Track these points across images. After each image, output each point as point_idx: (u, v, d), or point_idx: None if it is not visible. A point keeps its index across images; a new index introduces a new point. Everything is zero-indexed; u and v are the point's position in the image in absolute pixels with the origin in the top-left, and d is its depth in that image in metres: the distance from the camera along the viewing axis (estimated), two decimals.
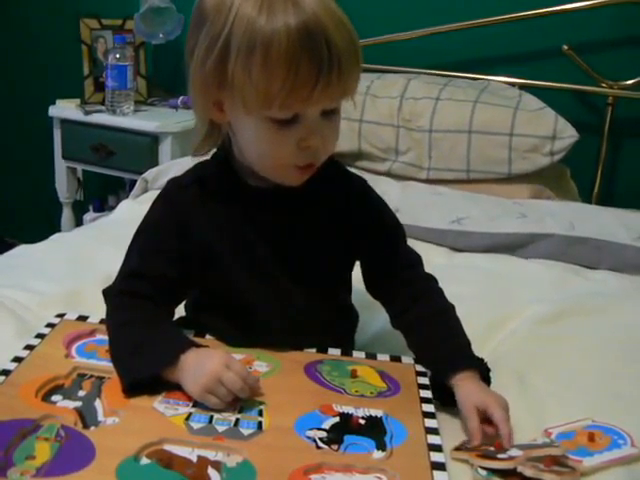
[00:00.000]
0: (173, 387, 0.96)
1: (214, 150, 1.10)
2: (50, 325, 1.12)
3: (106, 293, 1.10)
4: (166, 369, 0.96)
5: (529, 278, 1.60)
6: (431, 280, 1.15)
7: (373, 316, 1.32)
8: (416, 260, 1.16)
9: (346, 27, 0.93)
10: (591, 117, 2.33)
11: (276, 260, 1.06)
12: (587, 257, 1.70)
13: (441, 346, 1.06)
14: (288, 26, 0.88)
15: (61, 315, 1.16)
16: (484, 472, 0.84)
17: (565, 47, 2.21)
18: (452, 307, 1.12)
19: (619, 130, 2.28)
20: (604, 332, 1.32)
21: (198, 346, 0.99)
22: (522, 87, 2.26)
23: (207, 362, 0.95)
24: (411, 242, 1.72)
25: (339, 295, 1.16)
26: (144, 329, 1.01)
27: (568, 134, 2.04)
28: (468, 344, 1.06)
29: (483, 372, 1.03)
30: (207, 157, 1.11)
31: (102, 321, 1.13)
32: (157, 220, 1.09)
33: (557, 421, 0.99)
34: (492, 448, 0.88)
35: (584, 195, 2.24)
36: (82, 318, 1.15)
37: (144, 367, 0.96)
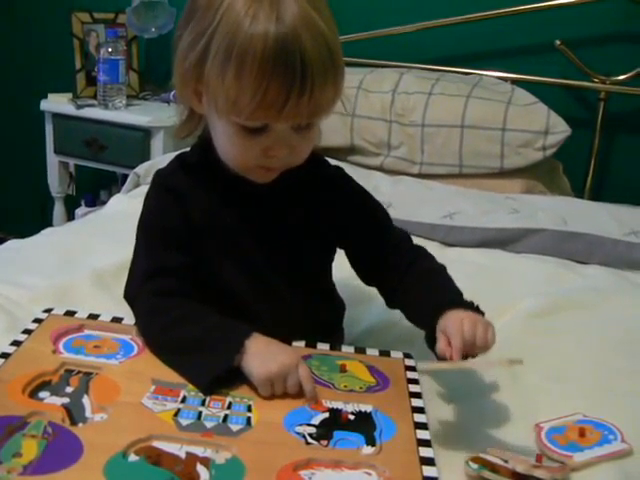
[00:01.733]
0: (244, 377, 0.96)
1: (195, 141, 1.11)
2: (37, 320, 1.11)
3: (131, 298, 1.08)
4: (237, 359, 0.96)
5: (521, 273, 1.60)
6: (420, 249, 1.15)
7: (364, 311, 1.32)
8: (403, 237, 1.16)
9: (327, 44, 0.91)
10: (583, 112, 2.33)
11: (258, 248, 1.06)
12: (579, 252, 1.70)
13: (431, 296, 1.04)
14: (265, 40, 0.87)
15: (48, 310, 1.14)
16: (475, 466, 0.84)
17: (558, 42, 2.21)
18: (443, 267, 1.12)
19: (611, 125, 2.29)
20: (596, 327, 1.32)
21: (259, 331, 0.99)
22: (514, 82, 2.26)
23: (281, 354, 0.96)
24: None
25: (322, 283, 1.17)
26: (194, 325, 1.00)
27: (560, 129, 2.04)
28: (459, 293, 1.05)
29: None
30: (187, 149, 1.12)
31: (91, 316, 1.12)
32: (158, 209, 1.08)
33: (548, 415, 0.99)
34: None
35: (576, 190, 2.24)
36: (70, 313, 1.14)
37: (216, 362, 0.96)
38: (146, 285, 1.05)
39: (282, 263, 1.08)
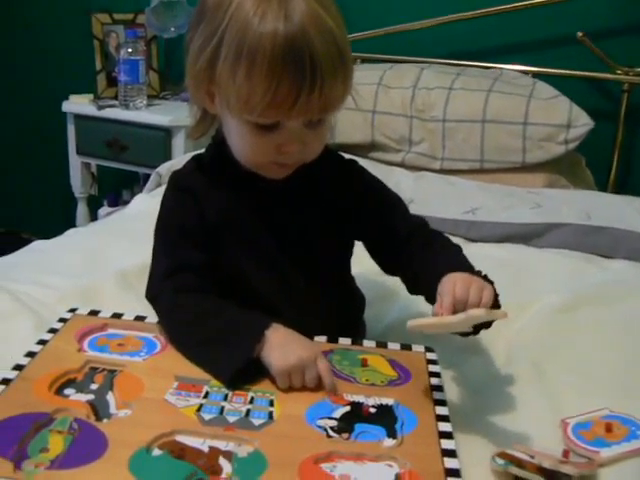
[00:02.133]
0: (267, 371, 0.97)
1: (209, 142, 1.12)
2: (62, 320, 1.12)
3: (153, 297, 1.09)
4: (257, 350, 0.97)
5: (544, 268, 1.59)
6: (437, 233, 1.15)
7: (387, 307, 1.32)
8: (419, 224, 1.15)
9: (335, 41, 0.92)
10: (606, 104, 2.31)
11: (275, 244, 1.07)
12: (603, 246, 1.68)
13: (437, 268, 1.02)
14: (274, 39, 0.89)
15: (73, 310, 1.16)
16: (502, 461, 0.83)
17: (579, 34, 2.19)
18: (457, 246, 1.12)
19: (635, 117, 2.27)
20: (621, 321, 1.31)
21: (279, 322, 1.01)
22: (536, 75, 2.25)
23: (300, 347, 0.97)
24: None
25: (340, 278, 1.17)
26: (215, 319, 1.02)
27: (583, 122, 2.02)
28: (465, 262, 1.05)
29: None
30: (203, 150, 1.14)
31: (114, 315, 1.14)
32: (174, 209, 1.10)
33: (574, 411, 0.98)
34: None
35: (600, 184, 2.22)
36: (94, 313, 1.15)
37: (237, 354, 0.97)
38: (166, 283, 1.06)
39: (300, 258, 1.08)
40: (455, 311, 0.90)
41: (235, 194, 1.08)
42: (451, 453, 0.85)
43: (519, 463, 0.83)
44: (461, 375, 1.08)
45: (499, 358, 1.17)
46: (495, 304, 0.96)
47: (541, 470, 0.82)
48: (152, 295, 1.09)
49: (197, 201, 1.07)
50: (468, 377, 1.08)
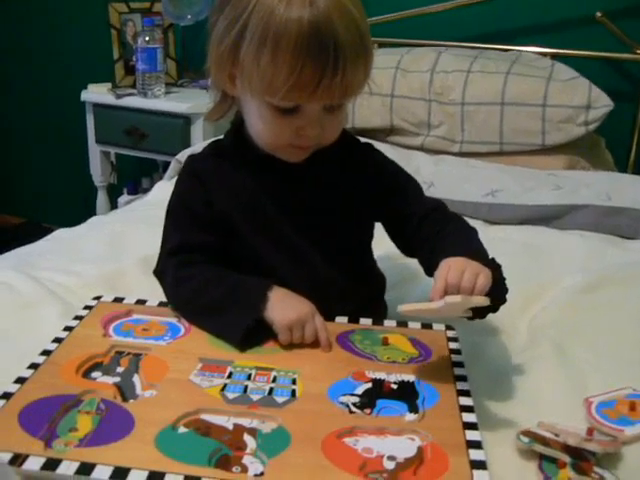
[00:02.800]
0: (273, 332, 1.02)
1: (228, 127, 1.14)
2: (87, 307, 1.15)
3: (159, 273, 1.13)
4: (262, 309, 1.02)
5: (565, 249, 1.59)
6: (453, 216, 1.15)
7: (410, 290, 1.33)
8: (436, 206, 1.16)
9: (358, 28, 0.94)
10: (626, 85, 2.30)
11: (292, 227, 1.09)
12: (624, 227, 1.68)
13: (446, 248, 1.03)
14: (300, 25, 0.91)
15: (98, 297, 1.18)
16: (526, 439, 0.84)
17: (598, 14, 2.17)
18: (472, 229, 1.12)
19: None
20: None
21: (277, 284, 1.05)
22: (554, 57, 2.23)
23: (299, 304, 1.03)
24: None
25: (359, 260, 1.18)
26: (218, 287, 1.06)
27: (603, 103, 2.01)
28: (472, 247, 1.04)
29: (495, 271, 0.97)
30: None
31: (138, 302, 1.16)
32: (184, 193, 1.14)
33: (598, 390, 0.98)
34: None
35: (619, 165, 2.21)
36: (118, 300, 1.18)
37: (244, 316, 1.02)
38: (171, 259, 1.11)
39: (317, 239, 1.10)
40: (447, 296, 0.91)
41: (252, 177, 1.10)
42: (472, 426, 0.86)
43: (544, 441, 0.84)
44: (484, 355, 1.09)
45: (521, 338, 1.17)
46: (499, 288, 0.96)
47: (566, 448, 0.82)
48: (158, 271, 1.14)
49: (206, 186, 1.10)
50: (491, 357, 1.09)
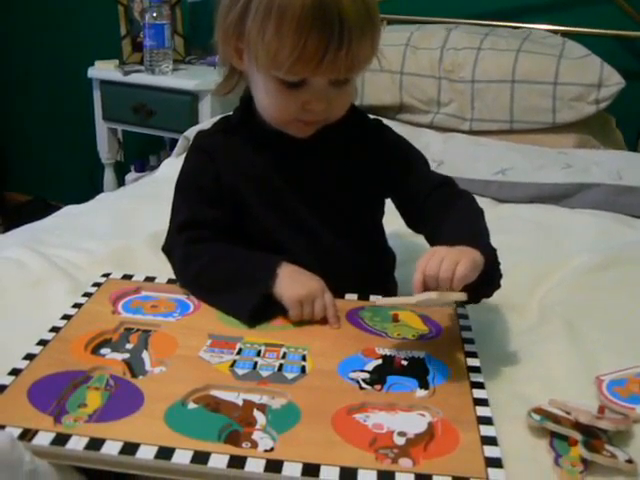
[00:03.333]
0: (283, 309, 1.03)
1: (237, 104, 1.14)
2: (96, 284, 1.15)
3: (168, 250, 1.14)
4: (270, 285, 1.02)
5: (576, 228, 1.58)
6: (460, 193, 1.14)
7: (413, 270, 1.32)
8: (444, 182, 1.15)
9: (364, 2, 0.93)
10: (637, 63, 2.27)
11: (300, 202, 1.09)
12: (635, 206, 1.67)
13: (443, 231, 1.03)
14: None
15: (107, 275, 1.18)
16: (538, 417, 0.84)
17: None
18: (478, 211, 1.10)
19: None
20: None
21: (286, 260, 1.05)
22: (565, 35, 2.21)
23: (309, 280, 1.04)
24: None
25: (370, 234, 1.18)
26: (228, 263, 1.07)
27: (614, 81, 1.99)
28: (471, 231, 1.02)
29: (488, 256, 0.96)
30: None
31: (147, 279, 1.16)
32: (193, 169, 1.14)
33: (608, 369, 0.98)
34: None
35: (630, 144, 2.20)
36: (127, 277, 1.18)
37: (253, 291, 1.03)
38: (180, 236, 1.11)
39: (327, 215, 1.10)
40: (427, 287, 0.91)
41: (261, 152, 1.10)
42: (483, 402, 0.86)
43: (555, 419, 0.84)
44: (495, 333, 1.09)
45: (532, 316, 1.17)
46: (490, 274, 0.96)
47: (577, 425, 0.82)
48: (167, 248, 1.14)
49: (215, 162, 1.11)
50: (502, 335, 1.08)
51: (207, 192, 1.10)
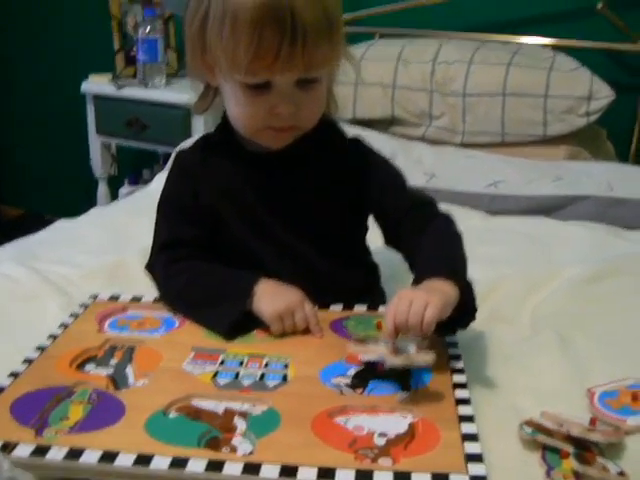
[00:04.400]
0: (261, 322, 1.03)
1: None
2: (84, 306, 1.15)
3: (150, 268, 1.15)
4: (248, 304, 1.03)
5: (567, 240, 1.58)
6: (437, 216, 1.11)
7: (410, 277, 1.33)
8: (423, 201, 1.13)
9: (320, 3, 0.94)
10: (627, 76, 2.29)
11: (277, 219, 1.10)
12: (626, 218, 1.68)
13: (415, 262, 1.04)
14: None
15: (94, 296, 1.18)
16: (529, 429, 0.84)
17: (599, 5, 2.16)
18: (453, 235, 1.08)
19: None
20: None
21: (264, 276, 1.06)
22: (556, 48, 2.22)
23: (287, 293, 1.04)
24: (447, 206, 1.73)
25: (347, 251, 1.16)
26: (206, 281, 1.08)
27: (604, 94, 2.01)
28: (444, 262, 1.00)
29: (462, 289, 0.95)
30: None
31: (134, 299, 1.17)
32: (173, 187, 1.16)
33: (600, 380, 0.97)
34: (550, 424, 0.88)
35: (621, 156, 2.21)
36: (114, 298, 1.18)
37: (231, 310, 1.03)
38: (161, 255, 1.13)
39: (304, 230, 1.10)
40: (398, 332, 0.90)
41: (237, 168, 1.11)
42: (465, 401, 0.87)
43: (547, 431, 0.83)
44: (487, 344, 1.09)
45: (524, 328, 1.17)
46: (464, 308, 0.95)
47: (569, 438, 0.82)
48: (149, 266, 1.15)
49: (193, 181, 1.12)
50: (494, 347, 1.08)
51: (186, 211, 1.12)
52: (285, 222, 1.10)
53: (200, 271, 1.09)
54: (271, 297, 1.03)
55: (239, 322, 1.02)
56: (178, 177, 1.15)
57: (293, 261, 1.10)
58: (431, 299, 0.89)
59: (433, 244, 1.05)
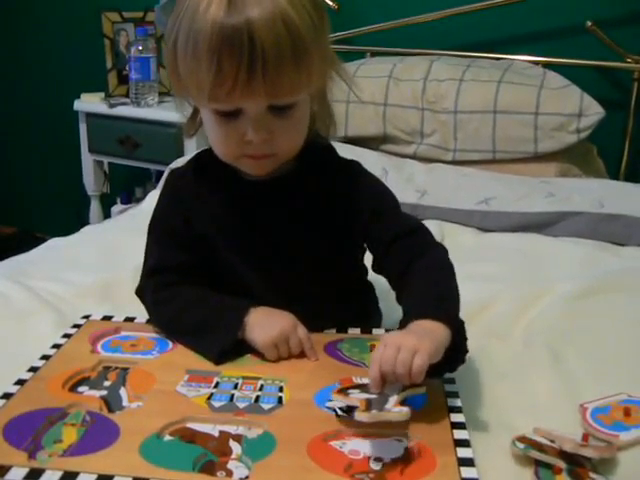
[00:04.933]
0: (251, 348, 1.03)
1: None
2: (76, 326, 1.15)
3: (140, 294, 1.14)
4: (239, 335, 1.02)
5: (559, 256, 1.59)
6: (426, 246, 1.07)
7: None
8: (414, 228, 1.08)
9: (287, 25, 0.90)
10: (617, 93, 2.30)
11: (266, 248, 1.08)
12: (617, 234, 1.69)
13: (402, 300, 1.01)
14: (215, 20, 0.89)
15: (87, 317, 1.18)
16: (522, 445, 0.84)
17: (589, 23, 2.18)
18: (441, 268, 1.03)
19: None
20: (636, 307, 1.30)
21: (254, 305, 1.05)
22: (546, 65, 2.23)
23: (278, 320, 1.03)
24: (438, 223, 1.75)
25: (341, 278, 1.12)
26: (196, 310, 1.07)
27: (594, 111, 2.02)
28: (443, 297, 0.97)
29: (454, 329, 0.92)
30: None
31: (127, 319, 1.16)
32: (164, 211, 1.13)
33: (592, 396, 0.97)
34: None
35: (611, 172, 2.21)
36: (107, 318, 1.18)
37: (221, 340, 1.02)
38: (149, 281, 1.12)
39: (294, 258, 1.08)
40: (385, 380, 0.86)
41: (227, 193, 1.09)
42: (460, 425, 0.86)
43: (539, 447, 0.83)
44: (479, 361, 1.08)
45: (516, 344, 1.17)
46: (455, 350, 0.92)
47: (561, 454, 0.82)
48: (140, 292, 1.14)
49: (184, 205, 1.10)
50: (486, 363, 1.08)
51: (177, 235, 1.10)
52: (273, 249, 1.08)
53: (190, 299, 1.08)
54: (262, 327, 1.02)
55: (229, 351, 1.02)
56: (170, 200, 1.13)
57: (283, 289, 1.07)
58: (421, 345, 0.85)
59: (423, 280, 1.00)
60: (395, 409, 0.83)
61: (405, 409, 0.83)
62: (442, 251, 1.06)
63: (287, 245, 1.08)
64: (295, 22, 0.91)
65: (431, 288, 0.99)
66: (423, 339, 0.86)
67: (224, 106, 0.95)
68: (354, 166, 1.13)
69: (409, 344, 0.85)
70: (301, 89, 0.96)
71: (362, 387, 0.90)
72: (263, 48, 0.89)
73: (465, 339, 0.96)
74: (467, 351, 0.96)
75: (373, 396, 0.86)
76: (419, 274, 1.01)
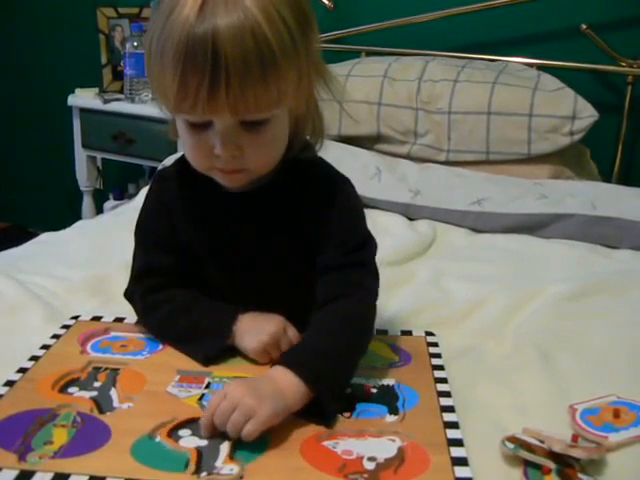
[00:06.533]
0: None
1: None
2: (65, 327, 1.14)
3: (129, 297, 1.13)
4: (229, 343, 1.03)
5: (551, 258, 1.60)
6: (363, 289, 1.02)
7: (393, 296, 1.33)
8: (359, 261, 1.04)
9: (256, 41, 0.86)
10: (611, 96, 2.31)
11: (236, 262, 1.07)
12: (609, 236, 1.69)
13: (300, 340, 1.00)
14: (182, 31, 0.86)
15: (76, 317, 1.18)
16: (512, 445, 0.84)
17: (583, 26, 2.18)
18: (356, 319, 1.00)
19: (639, 109, 2.26)
20: (627, 310, 1.31)
21: (243, 311, 1.04)
22: (540, 68, 2.24)
23: (267, 324, 1.01)
24: (431, 224, 1.75)
25: (312, 296, 1.05)
26: (185, 317, 1.06)
27: (588, 114, 2.02)
28: (320, 354, 0.93)
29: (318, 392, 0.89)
30: None
31: (117, 320, 1.17)
32: (150, 213, 1.12)
33: (582, 397, 0.98)
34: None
35: (604, 175, 2.21)
36: (96, 318, 1.18)
37: (209, 347, 1.02)
38: (138, 285, 1.11)
39: (269, 277, 1.07)
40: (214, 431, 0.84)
41: (203, 204, 1.07)
42: (453, 425, 0.87)
43: (529, 447, 0.84)
44: (470, 362, 1.09)
45: (507, 345, 1.17)
46: (323, 405, 0.88)
47: (550, 454, 0.83)
48: (128, 296, 1.14)
49: (168, 209, 1.09)
50: (477, 364, 1.09)
51: (163, 238, 1.09)
52: (241, 263, 1.07)
53: (177, 305, 1.07)
54: (251, 333, 1.01)
55: (217, 357, 1.02)
56: (155, 205, 1.11)
57: (254, 304, 1.05)
58: (259, 409, 0.82)
59: (321, 327, 0.98)
60: (226, 469, 0.79)
61: (236, 469, 0.79)
62: (366, 298, 1.03)
63: (255, 260, 1.07)
64: (266, 35, 0.86)
65: (320, 338, 0.97)
66: (263, 402, 0.83)
67: (191, 117, 0.92)
68: (339, 186, 1.07)
69: (246, 405, 0.82)
70: (271, 106, 0.91)
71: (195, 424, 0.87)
72: (227, 62, 0.85)
73: (337, 398, 0.91)
74: (337, 410, 0.90)
75: (204, 443, 0.83)
76: (323, 318, 0.99)
